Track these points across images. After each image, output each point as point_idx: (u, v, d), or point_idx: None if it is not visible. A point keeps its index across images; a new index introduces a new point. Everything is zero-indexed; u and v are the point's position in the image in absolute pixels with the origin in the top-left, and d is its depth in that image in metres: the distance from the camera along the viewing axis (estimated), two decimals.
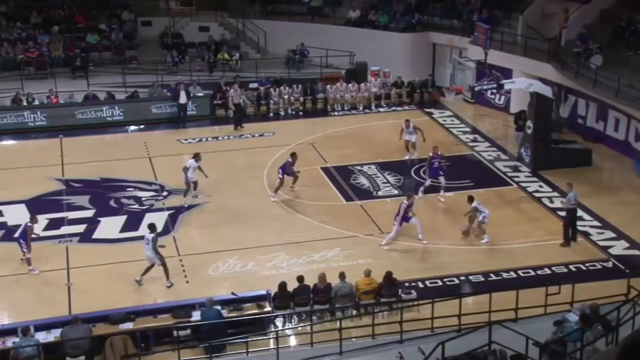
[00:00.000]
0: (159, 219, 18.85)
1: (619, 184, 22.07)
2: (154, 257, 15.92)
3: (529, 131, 22.19)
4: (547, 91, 21.95)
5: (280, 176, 19.92)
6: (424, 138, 22.34)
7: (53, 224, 18.79)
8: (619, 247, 17.60)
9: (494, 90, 26.58)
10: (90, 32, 31.12)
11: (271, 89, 27.53)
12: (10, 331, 13.64)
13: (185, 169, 19.73)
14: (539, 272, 16.58)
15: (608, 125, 23.73)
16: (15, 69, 28.65)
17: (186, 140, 24.72)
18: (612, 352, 11.52)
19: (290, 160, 20.25)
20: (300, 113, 27.50)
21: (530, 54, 24.99)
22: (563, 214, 18.05)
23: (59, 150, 23.74)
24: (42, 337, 13.39)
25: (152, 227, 16.34)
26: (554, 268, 16.71)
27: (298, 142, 24.33)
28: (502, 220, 18.37)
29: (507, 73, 25.69)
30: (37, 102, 26.10)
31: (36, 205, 19.71)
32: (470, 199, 18.06)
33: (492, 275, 16.50)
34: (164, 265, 15.97)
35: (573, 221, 17.79)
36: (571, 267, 16.78)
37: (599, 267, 16.86)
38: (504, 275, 16.52)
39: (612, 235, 18.16)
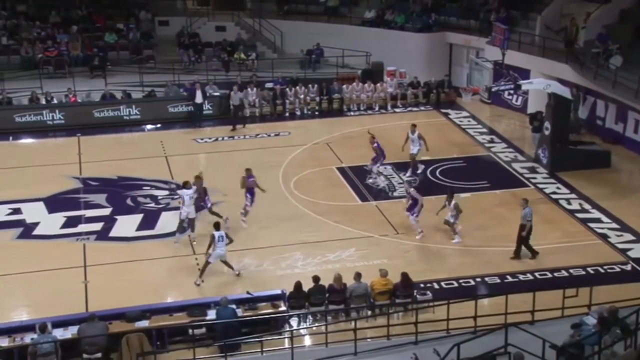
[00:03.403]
0: (175, 218, 18.91)
1: (638, 185, 21.84)
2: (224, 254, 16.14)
3: (546, 132, 22.04)
4: (565, 92, 21.80)
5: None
6: (427, 147, 21.79)
7: (70, 222, 18.92)
8: (638, 250, 17.43)
9: (511, 91, 26.43)
10: (108, 32, 31.32)
11: (287, 89, 27.54)
12: (28, 328, 13.73)
13: (186, 200, 17.45)
14: (556, 274, 16.46)
15: (627, 126, 23.51)
16: (34, 68, 28.87)
17: (202, 139, 24.80)
18: (630, 356, 11.43)
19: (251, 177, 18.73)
20: (316, 113, 27.50)
21: (549, 54, 24.83)
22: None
23: (77, 148, 23.90)
24: (60, 333, 13.46)
25: (217, 225, 16.42)
26: (571, 270, 16.58)
27: (314, 141, 24.35)
28: (519, 221, 18.21)
29: (525, 74, 25.54)
30: (55, 101, 26.30)
31: (54, 203, 19.87)
32: (450, 194, 18.01)
33: (508, 277, 16.40)
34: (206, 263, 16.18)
35: (526, 237, 16.97)
36: (589, 269, 16.63)
37: (618, 269, 16.69)
38: (521, 277, 16.41)
39: (631, 237, 17.99)
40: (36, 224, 18.88)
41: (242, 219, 18.45)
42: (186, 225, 17.81)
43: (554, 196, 20.31)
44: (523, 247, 17.09)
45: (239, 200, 19.63)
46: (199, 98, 25.83)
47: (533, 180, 21.40)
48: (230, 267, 16.39)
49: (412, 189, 18.15)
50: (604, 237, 18.06)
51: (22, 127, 25.38)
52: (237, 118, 25.98)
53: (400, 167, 22.11)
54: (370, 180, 21.27)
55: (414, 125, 21.80)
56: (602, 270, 16.61)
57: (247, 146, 24.23)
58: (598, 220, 18.87)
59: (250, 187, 18.39)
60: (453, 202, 17.81)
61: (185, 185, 17.75)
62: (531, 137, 24.04)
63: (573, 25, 24.86)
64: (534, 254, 17.11)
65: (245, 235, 18.13)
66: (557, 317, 13.85)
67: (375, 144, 21.44)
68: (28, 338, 13.38)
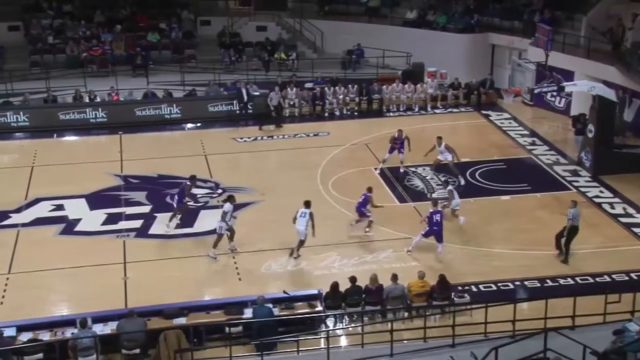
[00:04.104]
0: (214, 216, 19.05)
1: None
2: (303, 231, 16.81)
3: (590, 135, 21.65)
4: (610, 94, 21.38)
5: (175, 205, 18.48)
6: (458, 158, 21.31)
7: (111, 219, 19.18)
8: None
9: (554, 93, 26.02)
10: (151, 31, 31.70)
11: (326, 89, 27.52)
12: (69, 322, 13.95)
13: (223, 215, 17.19)
14: (597, 279, 16.16)
15: None
16: (79, 67, 29.38)
17: (241, 138, 24.94)
18: None
19: (188, 183, 18.66)
20: (355, 113, 27.44)
21: (594, 56, 24.39)
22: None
23: (118, 146, 24.23)
24: (99, 329, 13.64)
25: (307, 203, 17.10)
26: (614, 276, 16.27)
27: (352, 142, 24.30)
28: (560, 225, 17.91)
29: (569, 75, 25.14)
30: (98, 99, 26.72)
31: (95, 200, 20.17)
32: (439, 139, 18.78)
33: (548, 281, 16.15)
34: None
35: (567, 238, 16.81)
36: (632, 275, 16.29)
37: None
38: (561, 281, 16.15)
39: None
40: (78, 220, 19.18)
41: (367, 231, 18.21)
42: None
43: (596, 200, 19.94)
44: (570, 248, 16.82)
45: (276, 201, 19.66)
46: (245, 97, 25.99)
47: (575, 184, 21.04)
48: (298, 249, 17.12)
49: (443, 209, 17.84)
50: None
51: (66, 124, 25.80)
52: (271, 118, 26.04)
53: (439, 168, 21.88)
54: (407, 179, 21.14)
55: (439, 138, 21.20)
56: None
57: (286, 146, 24.29)
58: None
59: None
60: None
61: (230, 199, 17.47)
62: (574, 139, 23.63)
63: (620, 26, 24.41)
64: (566, 257, 16.79)
65: (283, 234, 18.14)
66: (598, 322, 13.56)
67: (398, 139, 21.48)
68: (69, 333, 13.60)
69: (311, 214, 16.94)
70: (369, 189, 18.37)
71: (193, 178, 18.98)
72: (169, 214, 18.75)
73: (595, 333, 12.78)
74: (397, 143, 21.60)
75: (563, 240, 16.96)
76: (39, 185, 21.16)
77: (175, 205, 18.67)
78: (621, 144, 22.64)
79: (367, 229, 18.21)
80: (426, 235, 17.23)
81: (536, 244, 17.57)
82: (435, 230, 17.13)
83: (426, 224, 17.23)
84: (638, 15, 24.30)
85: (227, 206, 17.24)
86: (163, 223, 18.72)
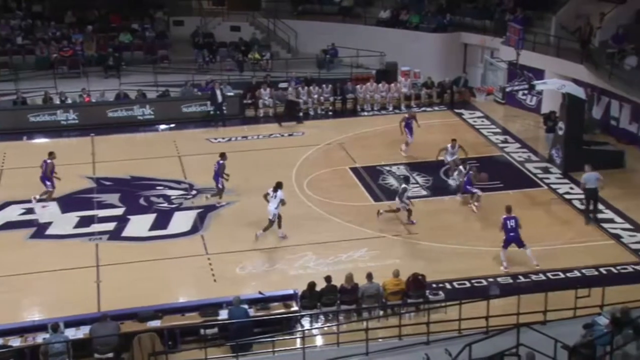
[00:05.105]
0: (188, 218, 18.99)
1: None
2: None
3: (560, 132, 21.91)
4: (579, 92, 21.65)
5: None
6: (466, 153, 21.62)
7: (83, 222, 19.02)
8: None
9: (526, 91, 26.30)
10: (123, 32, 31.50)
11: (300, 88, 27.54)
12: (40, 327, 13.80)
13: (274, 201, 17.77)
14: (568, 274, 16.37)
15: None
16: (49, 68, 29.08)
17: (215, 139, 24.85)
18: None
19: (221, 161, 19.88)
20: (330, 113, 27.48)
21: (563, 54, 24.68)
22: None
23: (91, 148, 24.03)
24: (72, 333, 13.53)
25: (407, 179, 19.05)
26: (584, 270, 16.49)
27: (327, 142, 24.34)
28: (532, 221, 18.13)
29: (540, 74, 25.40)
30: (69, 101, 26.45)
31: (67, 203, 19.98)
32: (454, 142, 20.70)
33: (520, 277, 16.32)
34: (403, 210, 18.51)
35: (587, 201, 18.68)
36: (602, 269, 16.53)
37: (631, 270, 16.58)
38: (533, 277, 16.33)
39: None
40: (49, 223, 19.00)
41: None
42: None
43: (567, 196, 20.18)
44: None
45: (251, 202, 19.63)
46: (219, 97, 25.95)
47: (546, 181, 21.29)
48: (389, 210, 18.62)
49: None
50: (617, 237, 17.93)
51: (36, 126, 25.51)
52: (294, 114, 26.21)
53: (414, 167, 22.06)
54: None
55: (454, 140, 21.32)
56: (615, 271, 16.50)
57: (261, 146, 24.25)
58: (611, 221, 18.73)
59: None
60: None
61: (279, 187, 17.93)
62: (545, 137, 23.90)
63: (588, 26, 24.71)
64: (587, 219, 18.47)
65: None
66: (569, 317, 13.78)
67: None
68: (40, 338, 13.45)
69: (282, 200, 17.64)
70: (467, 168, 19.91)
71: (223, 155, 19.96)
72: (144, 216, 18.65)
73: (566, 327, 12.97)
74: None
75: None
76: (8, 189, 20.94)
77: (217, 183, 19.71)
78: (590, 141, 22.94)
79: (476, 203, 19.33)
80: (506, 246, 16.60)
81: None
82: (512, 236, 16.50)
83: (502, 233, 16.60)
84: (606, 14, 24.64)
85: (280, 194, 17.85)
86: (137, 225, 18.63)
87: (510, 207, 17.02)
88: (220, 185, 19.82)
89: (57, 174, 20.06)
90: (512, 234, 16.57)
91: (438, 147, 21.60)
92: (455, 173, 20.94)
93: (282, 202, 17.72)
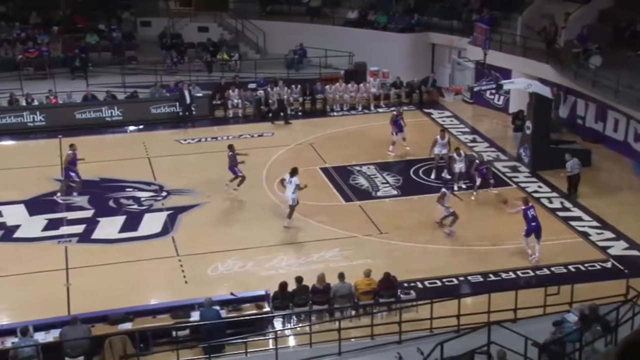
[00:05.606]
0: (158, 219, 18.86)
1: (618, 184, 22.02)
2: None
3: (528, 131, 22.19)
4: (546, 91, 21.95)
5: None
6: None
7: (52, 224, 18.80)
8: (618, 248, 17.61)
9: (493, 91, 26.59)
10: (89, 33, 31.15)
11: (269, 89, 27.50)
12: (9, 331, 13.63)
13: (290, 186, 18.30)
14: (537, 272, 16.58)
15: (607, 125, 23.73)
16: (14, 69, 28.66)
17: (185, 140, 24.72)
18: (611, 352, 11.52)
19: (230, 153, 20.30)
20: (299, 113, 27.49)
21: (530, 54, 25.00)
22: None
23: (58, 150, 23.67)
24: (41, 337, 13.39)
25: (294, 171, 18.41)
26: (553, 268, 16.71)
27: (297, 142, 24.34)
28: (501, 220, 18.35)
29: (507, 73, 25.69)
30: (36, 103, 26.09)
31: (35, 206, 19.72)
32: (442, 132, 20.90)
33: (491, 275, 16.49)
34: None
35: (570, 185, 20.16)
36: (570, 267, 16.77)
37: (598, 267, 16.86)
38: (503, 275, 16.51)
39: (611, 235, 18.17)
40: (17, 226, 18.73)
41: None
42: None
43: (535, 195, 20.42)
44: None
45: (221, 203, 19.58)
46: (187, 98, 25.78)
47: (515, 180, 21.54)
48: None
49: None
50: (585, 235, 18.22)
51: (2, 129, 25.12)
52: (283, 114, 26.23)
53: (383, 167, 22.18)
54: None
55: (443, 131, 21.84)
56: (583, 268, 16.77)
57: None
58: (579, 219, 19.04)
59: None
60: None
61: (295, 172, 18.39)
62: (513, 136, 24.18)
63: (553, 26, 25.06)
64: (569, 192, 20.01)
65: (228, 236, 18.10)
66: (539, 315, 13.96)
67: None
68: (9, 342, 13.28)
69: (297, 185, 18.02)
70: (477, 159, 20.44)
71: (231, 147, 20.34)
72: (114, 218, 18.48)
73: (536, 325, 13.16)
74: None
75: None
76: None
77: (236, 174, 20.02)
78: (557, 139, 23.28)
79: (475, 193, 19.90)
80: (527, 234, 16.76)
81: (479, 239, 17.93)
82: (533, 226, 16.58)
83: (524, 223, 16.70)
84: (570, 14, 25.00)
85: (296, 179, 18.19)
86: (107, 227, 18.47)
87: (526, 198, 17.72)
88: (240, 174, 20.08)
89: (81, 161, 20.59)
90: (533, 223, 16.73)
91: (409, 146, 21.74)
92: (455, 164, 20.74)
93: (298, 187, 18.08)
